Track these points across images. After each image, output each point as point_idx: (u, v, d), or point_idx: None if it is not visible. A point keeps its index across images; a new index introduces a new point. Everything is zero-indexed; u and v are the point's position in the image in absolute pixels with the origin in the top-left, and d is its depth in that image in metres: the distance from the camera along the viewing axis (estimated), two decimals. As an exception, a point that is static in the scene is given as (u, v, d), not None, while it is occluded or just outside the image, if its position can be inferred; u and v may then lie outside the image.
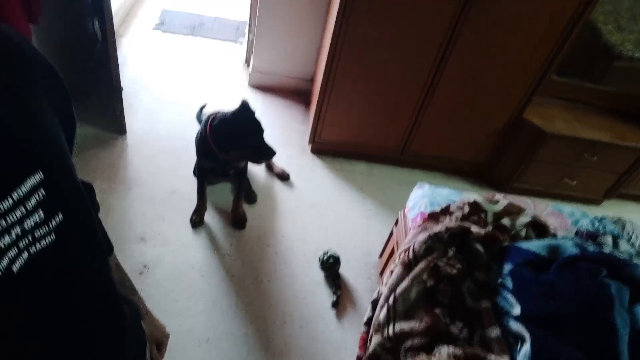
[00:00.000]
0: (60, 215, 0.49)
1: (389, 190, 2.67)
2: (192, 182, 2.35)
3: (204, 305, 1.92)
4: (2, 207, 0.42)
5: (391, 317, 1.57)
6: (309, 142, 2.72)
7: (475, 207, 1.81)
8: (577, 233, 1.94)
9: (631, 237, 1.98)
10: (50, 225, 0.48)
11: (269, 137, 2.05)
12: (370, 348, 1.50)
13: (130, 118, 2.68)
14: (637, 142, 2.55)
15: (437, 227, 1.68)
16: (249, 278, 2.05)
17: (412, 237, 1.74)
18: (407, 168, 2.85)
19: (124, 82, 2.63)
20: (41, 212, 0.46)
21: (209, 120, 2.03)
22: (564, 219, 2.01)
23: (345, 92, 2.44)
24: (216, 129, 1.97)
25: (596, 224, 2.01)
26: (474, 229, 1.69)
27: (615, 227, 2.01)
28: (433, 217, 1.79)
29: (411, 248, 1.66)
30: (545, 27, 2.17)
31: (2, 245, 0.42)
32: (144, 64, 3.15)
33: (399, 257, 1.71)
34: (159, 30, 3.51)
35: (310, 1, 2.73)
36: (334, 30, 2.21)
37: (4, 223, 0.42)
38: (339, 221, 2.42)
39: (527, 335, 1.44)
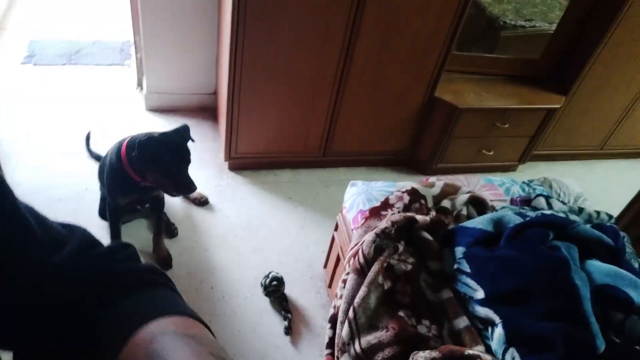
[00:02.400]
0: None
1: (319, 194, 2.54)
2: (100, 227, 2.04)
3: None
4: None
5: (354, 332, 1.43)
6: (225, 159, 2.51)
7: (414, 194, 1.74)
8: (512, 201, 1.94)
9: (559, 194, 2.02)
10: None
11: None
12: (341, 372, 1.35)
13: (9, 170, 2.29)
14: (541, 104, 2.66)
15: (382, 223, 1.57)
16: (186, 322, 1.81)
17: (357, 239, 1.62)
18: (332, 168, 2.74)
19: (-6, 128, 2.24)
20: None
21: (123, 144, 1.74)
22: (497, 190, 2.01)
23: (254, 99, 2.27)
24: (140, 146, 1.65)
25: (526, 188, 2.04)
26: (419, 217, 1.60)
27: (544, 188, 2.05)
28: (374, 212, 1.68)
29: (360, 251, 1.53)
30: (442, 1, 2.17)
31: None
32: (16, 104, 2.73)
33: (349, 264, 1.58)
34: (29, 63, 3.08)
35: (198, 9, 2.52)
36: (230, 36, 2.03)
37: None
38: (274, 237, 2.24)
39: (496, 318, 1.37)
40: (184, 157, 1.74)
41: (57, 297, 0.44)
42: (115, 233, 1.94)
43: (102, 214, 2.09)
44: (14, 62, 3.08)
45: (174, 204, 2.31)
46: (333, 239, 1.94)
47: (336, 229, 1.91)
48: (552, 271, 1.42)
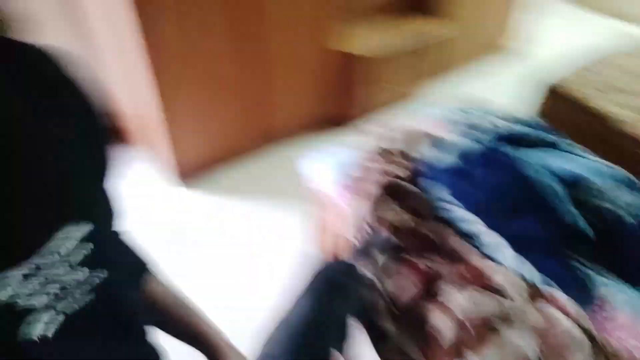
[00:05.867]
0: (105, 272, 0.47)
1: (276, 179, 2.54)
2: None
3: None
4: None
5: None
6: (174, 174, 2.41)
7: (383, 152, 1.81)
8: (459, 130, 2.08)
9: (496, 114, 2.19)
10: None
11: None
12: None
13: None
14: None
15: (371, 190, 1.64)
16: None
17: (353, 211, 1.67)
18: (273, 145, 2.72)
19: None
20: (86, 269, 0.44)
21: None
22: (440, 122, 2.13)
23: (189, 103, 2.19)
24: None
25: (463, 113, 2.17)
26: (399, 173, 1.69)
27: (472, 109, 2.21)
28: (356, 184, 1.73)
29: (363, 226, 1.59)
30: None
31: (38, 306, 0.38)
32: None
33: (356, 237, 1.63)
34: None
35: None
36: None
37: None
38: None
39: (502, 241, 1.51)
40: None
41: None
42: None
43: None
44: None
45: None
46: (321, 220, 1.96)
47: (320, 209, 1.93)
48: (523, 183, 1.60)
